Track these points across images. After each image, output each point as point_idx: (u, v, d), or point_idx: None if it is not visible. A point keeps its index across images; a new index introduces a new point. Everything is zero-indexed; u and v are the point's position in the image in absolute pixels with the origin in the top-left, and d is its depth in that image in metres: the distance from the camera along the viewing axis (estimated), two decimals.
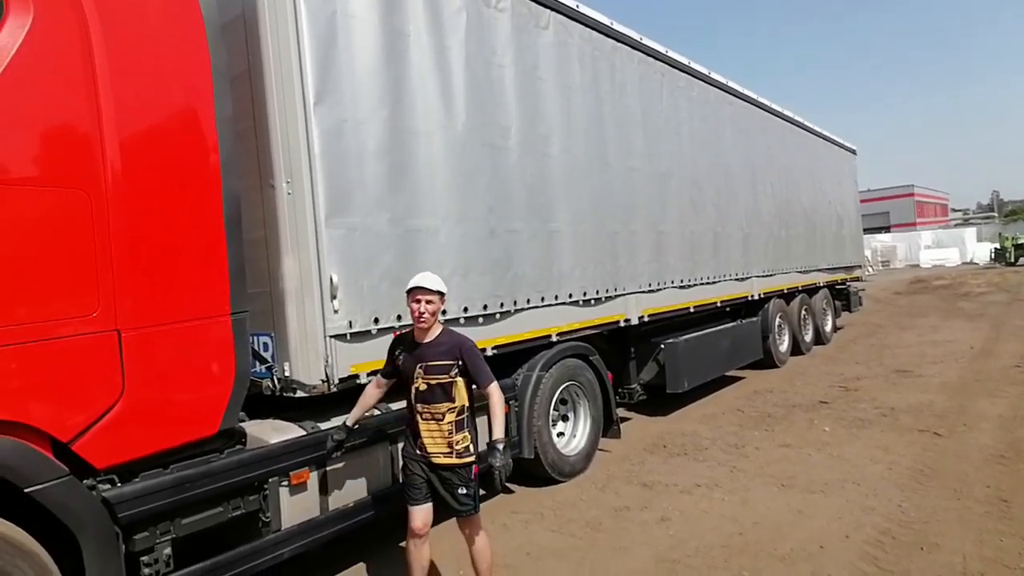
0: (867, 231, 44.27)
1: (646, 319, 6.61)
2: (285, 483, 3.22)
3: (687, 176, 7.58)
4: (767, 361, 9.85)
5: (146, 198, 2.67)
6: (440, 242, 4.15)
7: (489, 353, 4.55)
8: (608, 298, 5.96)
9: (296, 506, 3.28)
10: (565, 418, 5.64)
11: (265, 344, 3.59)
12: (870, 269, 36.39)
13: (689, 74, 7.76)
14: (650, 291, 6.67)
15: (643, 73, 6.75)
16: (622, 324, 6.22)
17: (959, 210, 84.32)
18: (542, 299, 5.08)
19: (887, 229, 50.02)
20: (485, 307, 4.46)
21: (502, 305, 4.62)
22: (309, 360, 3.43)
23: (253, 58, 3.46)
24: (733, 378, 9.24)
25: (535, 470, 5.11)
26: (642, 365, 7.35)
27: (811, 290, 11.68)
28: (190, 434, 2.82)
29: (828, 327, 12.37)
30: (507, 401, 4.75)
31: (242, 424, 3.38)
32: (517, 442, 4.82)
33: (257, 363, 3.59)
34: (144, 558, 2.67)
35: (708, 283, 7.95)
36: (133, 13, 2.69)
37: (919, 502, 4.41)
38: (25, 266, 2.32)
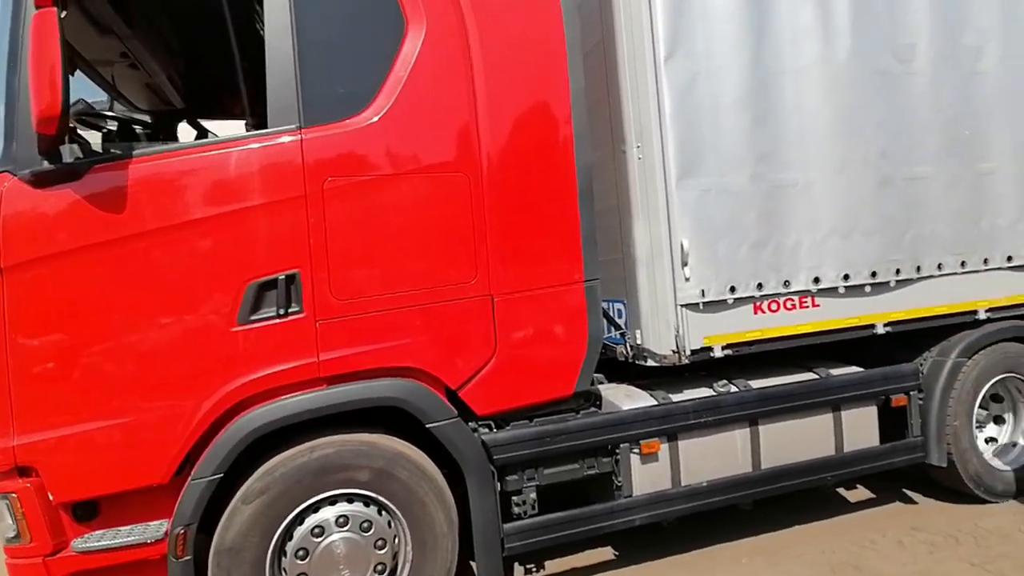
0: None
1: None
2: (636, 451, 3.22)
3: None
4: None
5: (511, 177, 2.95)
6: (813, 198, 3.51)
7: (880, 331, 3.73)
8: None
9: (647, 475, 3.26)
10: (999, 420, 4.30)
11: (619, 311, 3.63)
12: None
13: None
14: None
15: None
16: None
17: None
18: (962, 264, 3.89)
19: None
20: (874, 274, 3.63)
21: (898, 272, 3.69)
22: (659, 329, 3.33)
23: (606, 26, 3.45)
24: None
25: (949, 482, 4.04)
26: None
27: None
28: (549, 393, 3.06)
29: None
30: (907, 392, 3.85)
31: (599, 387, 3.52)
32: (920, 443, 3.86)
33: (612, 329, 3.68)
34: (515, 498, 3.03)
35: None
36: (500, 9, 2.95)
37: None
38: (423, 239, 2.82)
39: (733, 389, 3.55)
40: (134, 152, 2.60)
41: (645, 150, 3.28)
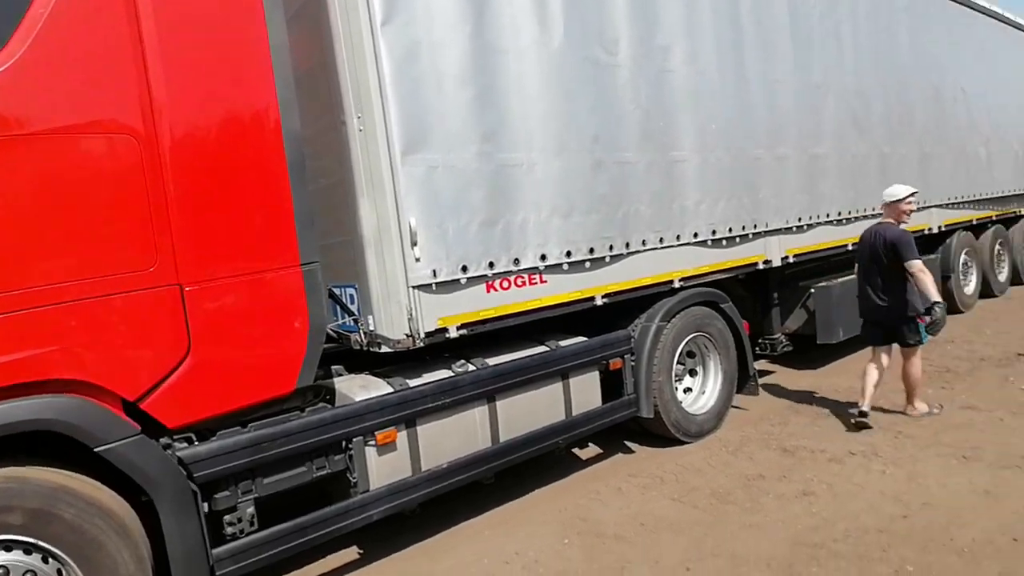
0: None
1: (791, 260, 5.69)
2: (372, 443, 3.06)
3: (849, 87, 6.32)
4: (948, 305, 8.29)
5: (202, 144, 2.51)
6: (537, 178, 3.66)
7: (599, 302, 4.07)
8: (743, 237, 5.14)
9: (384, 466, 3.12)
10: (693, 372, 5.05)
11: (351, 296, 3.40)
12: None
13: None
14: (798, 227, 5.70)
15: None
16: (761, 266, 5.38)
17: None
18: (661, 240, 4.45)
19: None
20: (591, 250, 3.95)
21: (611, 248, 4.07)
22: (392, 313, 3.18)
23: None
24: None
25: (657, 429, 4.63)
26: (788, 312, 6.45)
27: (1009, 220, 9.64)
28: (265, 392, 2.71)
29: None
30: (622, 355, 4.29)
31: (335, 379, 3.26)
32: (634, 399, 4.35)
33: (346, 316, 3.44)
34: (227, 517, 2.63)
35: (874, 215, 6.69)
36: None
37: None
38: (78, 216, 2.23)
39: (471, 368, 3.57)
40: None
41: (366, 122, 3.07)
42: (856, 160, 6.43)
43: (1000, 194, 8.68)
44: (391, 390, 3.19)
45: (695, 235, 4.71)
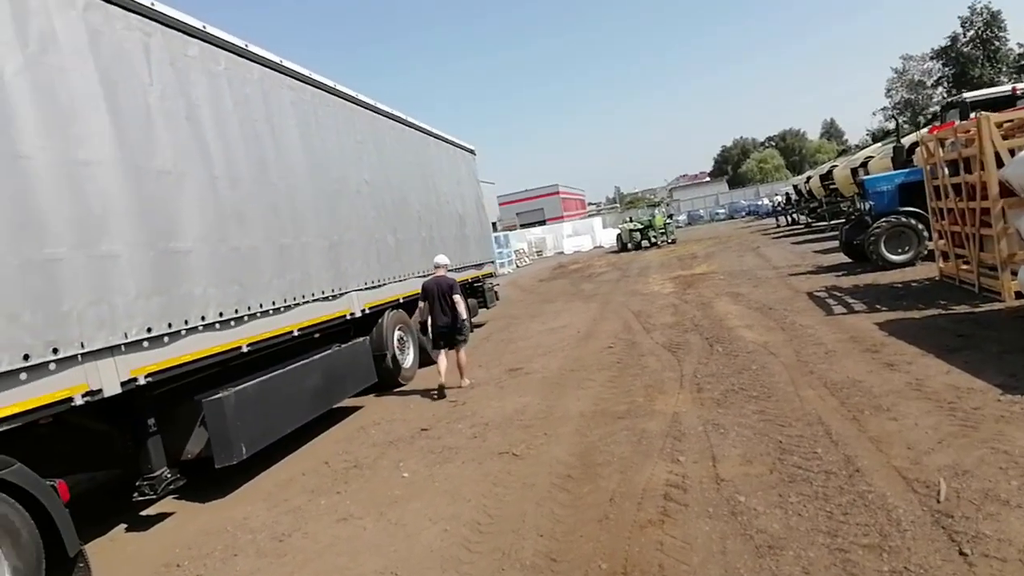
0: (526, 226, 50.73)
1: (143, 381, 4.53)
2: None
3: (222, 175, 5.74)
4: (389, 381, 8.69)
5: None
6: None
7: None
8: (39, 366, 3.74)
9: None
10: None
11: None
12: (527, 259, 40.39)
13: (206, 42, 5.84)
14: (150, 340, 4.62)
15: (96, 20, 4.61)
16: (79, 401, 4.03)
17: (593, 203, 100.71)
18: None
19: (543, 223, 56.77)
20: None
21: None
22: None
23: None
24: (350, 408, 7.87)
25: None
26: (184, 435, 5.33)
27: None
28: None
29: None
30: None
31: None
32: None
33: None
34: None
35: (274, 311, 6.22)
36: None
37: None
38: None
39: None
40: None
41: None
42: (242, 254, 5.85)
43: (411, 276, 9.66)
44: None
45: None
